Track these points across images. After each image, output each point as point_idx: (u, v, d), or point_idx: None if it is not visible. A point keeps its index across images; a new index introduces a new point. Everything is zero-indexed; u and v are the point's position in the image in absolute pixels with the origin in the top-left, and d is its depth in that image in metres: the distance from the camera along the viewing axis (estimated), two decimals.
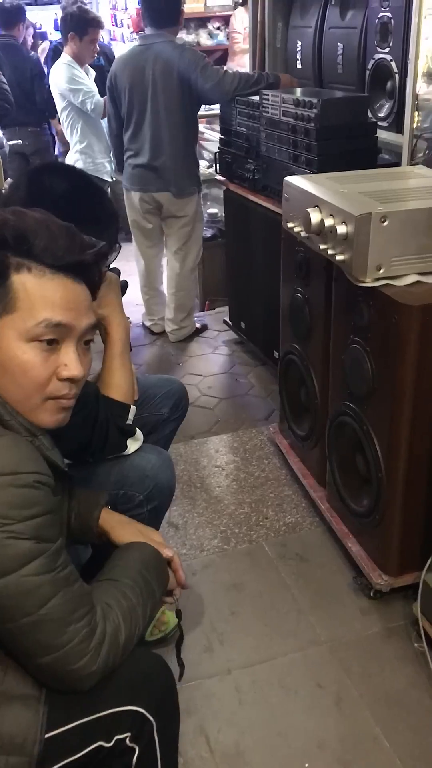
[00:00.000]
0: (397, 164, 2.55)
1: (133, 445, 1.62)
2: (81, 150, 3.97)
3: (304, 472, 2.42)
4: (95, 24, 3.84)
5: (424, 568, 1.83)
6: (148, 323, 3.81)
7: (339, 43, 3.04)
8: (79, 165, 3.95)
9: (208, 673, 1.83)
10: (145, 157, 3.36)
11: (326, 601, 2.04)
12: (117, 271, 1.70)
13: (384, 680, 1.80)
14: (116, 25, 6.02)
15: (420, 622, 1.82)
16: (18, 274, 1.06)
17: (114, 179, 4.07)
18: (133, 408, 1.58)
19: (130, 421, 1.58)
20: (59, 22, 3.95)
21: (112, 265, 1.71)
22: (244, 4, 5.40)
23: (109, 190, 4.15)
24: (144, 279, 3.73)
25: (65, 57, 3.85)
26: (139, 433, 1.62)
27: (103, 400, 1.53)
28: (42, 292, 1.06)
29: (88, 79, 3.89)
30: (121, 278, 1.68)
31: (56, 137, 5.10)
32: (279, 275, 2.47)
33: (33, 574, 0.99)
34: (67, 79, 3.80)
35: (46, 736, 1.07)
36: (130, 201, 3.53)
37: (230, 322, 3.63)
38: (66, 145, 5.06)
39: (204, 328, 3.81)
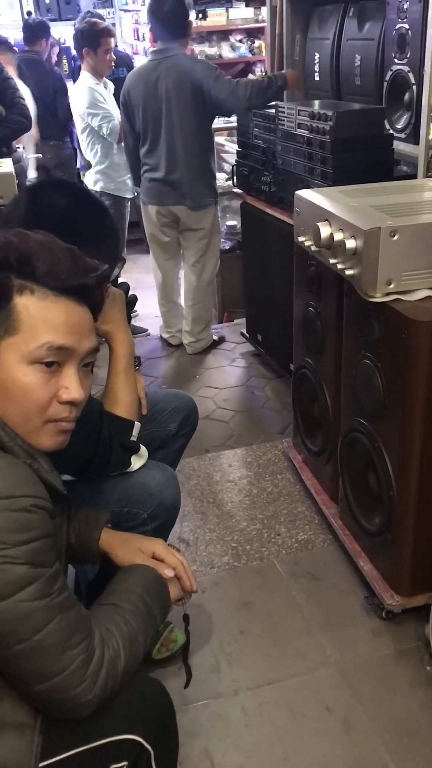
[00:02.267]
0: (414, 176, 2.52)
1: (137, 462, 1.60)
2: (101, 171, 4.00)
3: (317, 488, 2.38)
4: (106, 33, 3.86)
5: None
6: (165, 335, 3.81)
7: (357, 55, 3.02)
8: (99, 186, 4.00)
9: (214, 694, 1.80)
10: (161, 170, 3.37)
11: (337, 621, 2.00)
12: (126, 286, 1.69)
13: (395, 705, 1.75)
14: (138, 39, 6.06)
15: None
16: (21, 297, 1.05)
17: (136, 194, 4.09)
18: (137, 424, 1.56)
19: (134, 438, 1.56)
20: (73, 40, 3.98)
21: (120, 280, 1.71)
22: None
23: (129, 204, 4.19)
24: (161, 291, 3.73)
25: (85, 76, 3.88)
26: (143, 449, 1.61)
27: (106, 416, 1.52)
28: (44, 315, 1.06)
29: (107, 101, 3.92)
30: (137, 291, 1.67)
31: (78, 151, 5.14)
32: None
33: (28, 599, 0.98)
34: (88, 103, 3.84)
35: (41, 765, 1.05)
36: (147, 215, 3.55)
37: (247, 335, 3.61)
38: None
39: (221, 340, 3.80)
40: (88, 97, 3.83)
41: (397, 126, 2.73)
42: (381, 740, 1.67)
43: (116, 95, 3.96)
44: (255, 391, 3.31)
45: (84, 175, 4.85)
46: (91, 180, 4.06)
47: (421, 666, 1.84)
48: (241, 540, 2.31)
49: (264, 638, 1.96)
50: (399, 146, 2.61)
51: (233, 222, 4.19)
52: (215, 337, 3.78)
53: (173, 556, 1.33)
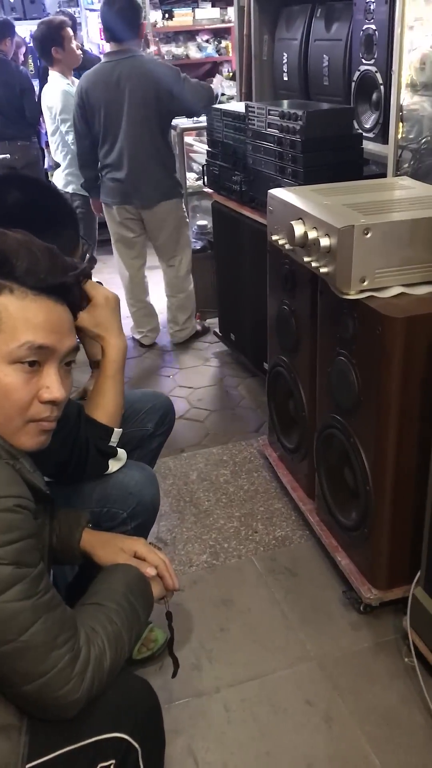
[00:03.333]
0: (384, 175, 2.55)
1: (115, 465, 1.59)
2: (71, 172, 3.97)
3: (293, 484, 2.40)
4: (64, 25, 3.85)
5: (413, 582, 1.81)
6: (137, 336, 3.81)
7: (325, 55, 3.05)
8: (70, 187, 3.98)
9: (196, 692, 1.81)
10: (123, 170, 3.38)
11: (316, 616, 2.02)
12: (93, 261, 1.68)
13: (374, 697, 1.77)
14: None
15: (410, 636, 1.80)
16: (0, 296, 1.05)
17: None
18: (117, 431, 1.55)
19: (113, 444, 1.56)
20: (36, 48, 3.95)
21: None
22: None
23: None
24: (130, 291, 3.73)
25: (56, 77, 3.86)
26: (122, 452, 1.60)
27: (85, 420, 1.51)
28: (24, 314, 1.05)
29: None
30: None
31: (45, 151, 5.10)
32: (266, 287, 2.46)
33: (13, 600, 0.97)
34: (62, 107, 3.82)
35: (28, 766, 1.04)
36: (110, 215, 3.55)
37: (220, 334, 3.63)
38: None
39: (205, 330, 3.84)
40: (63, 100, 3.81)
41: (366, 126, 2.76)
42: (362, 732, 1.69)
43: None
44: (229, 390, 3.32)
45: (52, 175, 4.82)
46: (61, 181, 4.03)
47: (399, 658, 1.86)
48: (219, 538, 2.32)
49: (244, 635, 1.97)
50: (368, 146, 2.64)
51: (203, 222, 4.19)
52: (198, 327, 3.82)
53: (155, 555, 1.33)
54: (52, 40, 3.77)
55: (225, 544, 2.29)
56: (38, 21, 3.99)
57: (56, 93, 3.84)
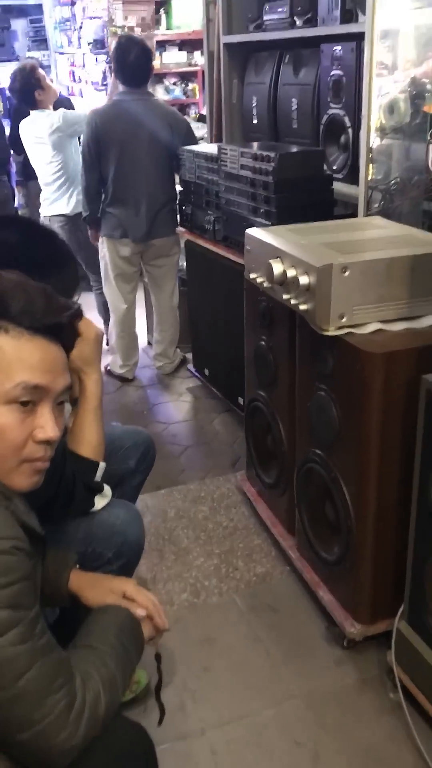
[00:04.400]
0: (353, 215, 2.62)
1: (100, 502, 1.59)
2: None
3: (272, 520, 2.40)
4: (36, 66, 3.98)
5: (397, 616, 1.81)
6: (121, 371, 3.79)
7: (293, 99, 3.14)
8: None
9: (181, 734, 1.77)
10: (140, 205, 3.46)
11: (300, 652, 2.00)
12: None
13: (361, 734, 1.76)
14: (75, 81, 6.12)
15: (395, 671, 1.80)
16: None
17: None
18: (102, 465, 1.55)
19: (98, 479, 1.55)
20: (18, 98, 4.01)
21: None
22: None
23: None
24: (122, 324, 3.75)
25: (45, 113, 3.91)
26: (107, 489, 1.59)
27: (70, 456, 1.50)
28: (19, 354, 1.05)
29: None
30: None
31: (15, 190, 5.12)
32: (241, 323, 2.49)
33: (10, 644, 0.95)
34: (65, 122, 3.84)
35: None
36: (113, 249, 3.56)
37: (194, 369, 3.64)
38: (25, 197, 5.10)
39: (185, 359, 3.91)
40: (63, 117, 3.84)
41: (334, 167, 2.85)
42: None
43: None
44: (204, 425, 3.32)
45: (23, 213, 4.84)
46: (71, 205, 3.99)
47: (384, 694, 1.86)
48: (199, 576, 2.30)
49: (228, 674, 1.95)
50: (336, 186, 2.71)
51: None
52: (182, 355, 3.93)
53: (144, 595, 1.32)
54: (32, 85, 3.84)
55: (206, 582, 2.27)
56: (7, 64, 4.03)
57: (46, 118, 3.87)
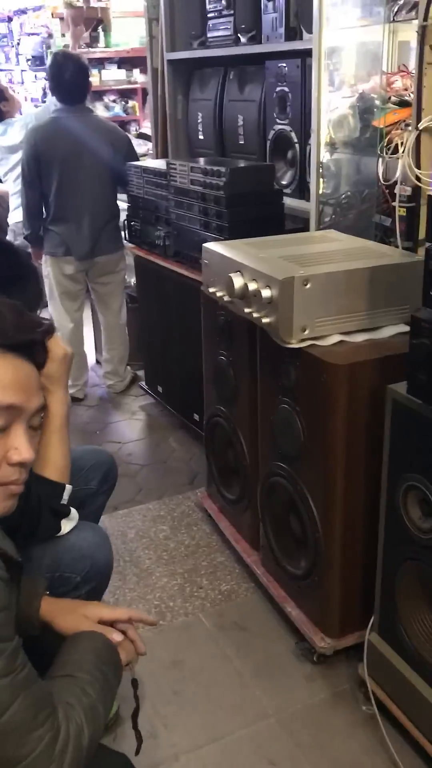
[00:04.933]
0: (304, 229, 2.64)
1: (67, 526, 1.53)
2: None
3: (236, 536, 2.38)
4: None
5: (368, 629, 1.81)
6: (71, 390, 3.71)
7: (239, 115, 3.16)
8: None
9: (154, 762, 1.72)
10: (82, 222, 3.40)
11: (270, 670, 1.98)
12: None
13: (337, 749, 1.74)
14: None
15: (368, 684, 1.78)
16: None
17: None
18: (68, 487, 1.50)
19: (65, 501, 1.50)
20: None
21: None
22: None
23: None
24: (72, 344, 3.66)
25: (13, 120, 3.87)
26: (74, 512, 1.54)
27: (35, 479, 1.45)
28: None
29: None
30: None
31: None
32: (195, 338, 2.47)
33: None
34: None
35: None
36: (57, 267, 3.49)
37: (146, 387, 3.60)
38: None
39: (136, 377, 3.87)
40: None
41: (282, 182, 2.87)
42: None
43: None
44: (159, 443, 3.28)
45: None
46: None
47: (357, 707, 1.84)
48: (164, 597, 2.25)
49: (198, 696, 1.91)
50: (286, 201, 2.73)
51: None
52: (133, 373, 3.89)
53: (122, 612, 1.27)
54: None
55: (170, 603, 2.23)
56: None
57: (18, 125, 3.91)
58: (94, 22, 4.81)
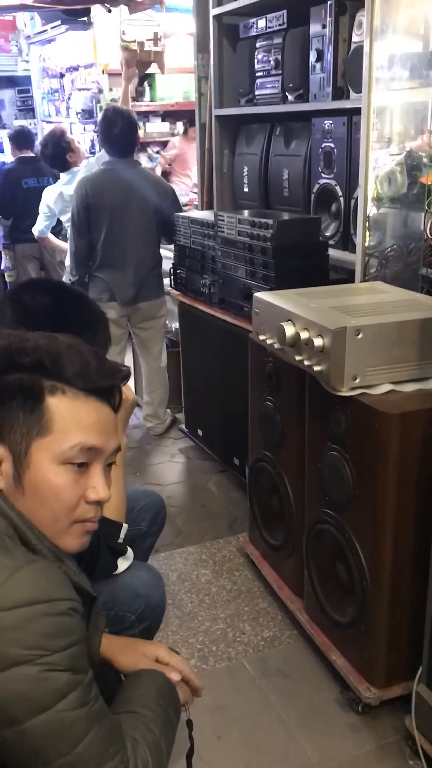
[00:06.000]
0: (348, 280, 2.70)
1: (123, 564, 1.57)
2: None
3: (279, 583, 2.38)
4: (65, 131, 4.32)
5: (416, 680, 1.80)
6: None
7: (284, 169, 3.26)
8: None
9: None
10: (130, 269, 3.53)
11: (314, 719, 1.96)
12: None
13: None
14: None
15: (417, 738, 1.76)
16: (53, 397, 1.05)
17: None
18: (125, 526, 1.54)
19: (121, 540, 1.54)
20: (50, 162, 4.21)
21: None
22: (184, 134, 5.80)
23: None
24: None
25: (74, 171, 4.07)
26: (130, 551, 1.58)
27: None
28: (76, 416, 1.06)
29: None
30: None
31: (2, 253, 5.18)
32: (236, 383, 2.51)
33: (69, 709, 0.93)
34: None
35: None
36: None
37: (186, 430, 3.65)
38: (11, 260, 5.16)
39: (175, 419, 3.92)
40: None
41: (326, 234, 2.95)
42: None
43: None
44: (198, 486, 3.31)
45: (10, 276, 4.89)
46: None
47: (404, 761, 1.82)
48: (206, 641, 2.26)
49: (242, 743, 1.90)
50: (329, 252, 2.80)
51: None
52: (173, 416, 3.94)
53: (177, 659, 1.30)
54: (63, 149, 4.09)
55: (213, 647, 2.23)
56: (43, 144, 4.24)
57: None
58: (147, 69, 5.01)
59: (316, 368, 1.84)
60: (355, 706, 1.96)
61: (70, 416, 1.05)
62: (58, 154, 4.09)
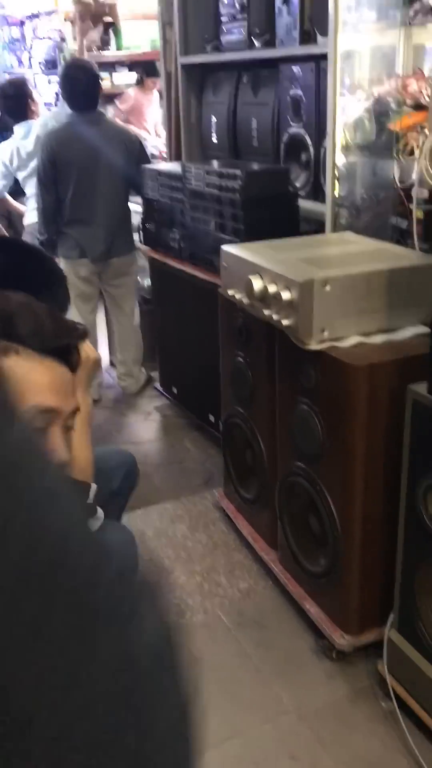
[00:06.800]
0: (319, 231, 2.67)
1: (93, 525, 1.56)
2: None
3: (254, 535, 2.40)
4: (26, 80, 4.14)
5: (387, 626, 1.83)
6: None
7: (253, 118, 3.19)
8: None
9: None
10: (99, 225, 3.44)
11: (289, 667, 2.00)
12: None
13: (357, 745, 1.77)
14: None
15: (388, 681, 1.81)
16: (6, 358, 1.03)
17: None
18: (93, 486, 1.53)
19: (90, 501, 1.53)
20: (9, 106, 4.00)
21: None
22: (140, 84, 5.61)
23: None
24: None
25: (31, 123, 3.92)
26: (100, 511, 1.57)
27: None
28: (31, 376, 1.04)
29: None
30: None
31: None
32: (210, 340, 2.50)
33: None
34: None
35: None
36: (73, 270, 3.52)
37: (161, 388, 3.63)
38: None
39: (151, 378, 3.89)
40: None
41: (297, 184, 2.90)
42: None
43: None
44: (174, 444, 3.31)
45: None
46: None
47: (377, 703, 1.87)
48: (183, 595, 2.28)
49: (219, 693, 1.93)
50: (300, 203, 2.76)
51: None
52: (147, 374, 3.91)
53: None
54: (26, 97, 3.92)
55: (189, 601, 2.26)
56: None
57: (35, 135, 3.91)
58: (102, 21, 4.82)
59: (285, 322, 1.83)
60: (329, 654, 2.00)
61: (25, 377, 1.03)
62: (22, 100, 3.90)
